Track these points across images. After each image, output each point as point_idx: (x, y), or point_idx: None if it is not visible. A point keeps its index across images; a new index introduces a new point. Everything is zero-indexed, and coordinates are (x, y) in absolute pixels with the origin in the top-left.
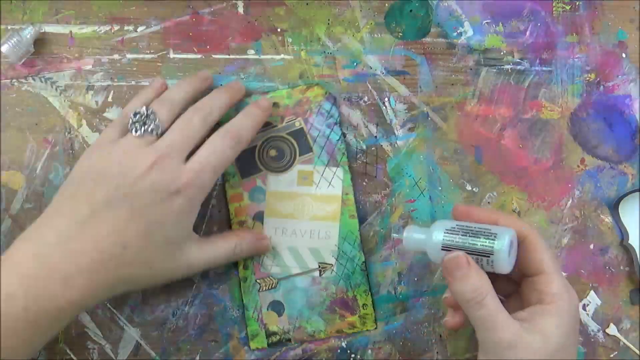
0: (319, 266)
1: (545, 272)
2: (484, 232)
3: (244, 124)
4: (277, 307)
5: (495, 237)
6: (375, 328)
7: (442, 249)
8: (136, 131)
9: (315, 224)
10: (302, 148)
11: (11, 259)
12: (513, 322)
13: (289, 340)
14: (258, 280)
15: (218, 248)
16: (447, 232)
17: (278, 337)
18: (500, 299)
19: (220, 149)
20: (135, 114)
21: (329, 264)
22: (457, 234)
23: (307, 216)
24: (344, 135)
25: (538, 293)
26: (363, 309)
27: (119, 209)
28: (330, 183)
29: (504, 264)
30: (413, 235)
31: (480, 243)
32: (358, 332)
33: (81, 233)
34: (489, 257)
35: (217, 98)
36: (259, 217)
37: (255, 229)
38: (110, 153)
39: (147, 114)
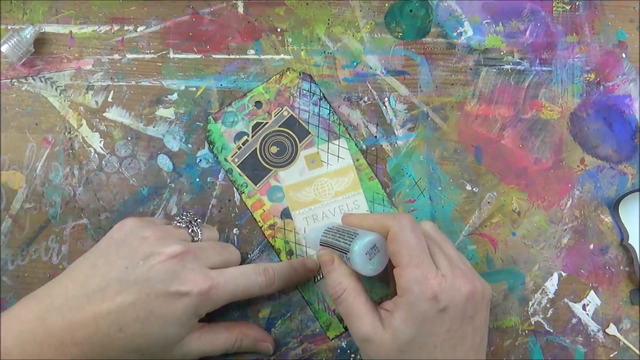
0: None
1: (399, 265)
2: (349, 233)
3: (283, 273)
4: None
5: (354, 237)
6: None
7: (320, 245)
8: (178, 223)
9: (340, 200)
10: (299, 134)
11: (15, 315)
12: (372, 317)
13: None
14: None
15: (219, 339)
16: (325, 232)
17: None
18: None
19: (249, 281)
20: (187, 212)
21: None
22: (330, 233)
23: (329, 195)
24: (332, 107)
25: (397, 286)
26: None
27: (126, 291)
28: (338, 156)
29: (358, 264)
30: (309, 235)
31: (343, 242)
32: None
33: (86, 305)
34: (346, 253)
35: (278, 273)
36: (286, 214)
37: (287, 226)
38: (144, 228)
39: (196, 219)
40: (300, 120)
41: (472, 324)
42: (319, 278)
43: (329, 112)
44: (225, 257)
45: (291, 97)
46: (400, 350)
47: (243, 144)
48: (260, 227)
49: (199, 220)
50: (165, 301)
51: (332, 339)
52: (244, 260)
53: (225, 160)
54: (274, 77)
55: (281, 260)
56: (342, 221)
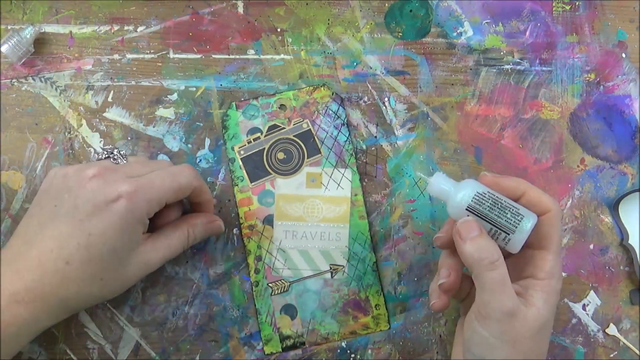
0: (331, 268)
1: (548, 249)
2: (512, 210)
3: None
4: (289, 310)
5: (521, 219)
6: (389, 328)
7: (466, 210)
8: (99, 157)
9: (325, 226)
10: (310, 150)
11: None
12: (514, 292)
13: (303, 343)
14: (270, 284)
15: (172, 240)
16: (477, 197)
17: (292, 340)
18: None
19: (175, 172)
20: (109, 146)
21: (341, 266)
22: (486, 202)
23: (316, 218)
24: (350, 136)
25: (533, 267)
26: (376, 309)
27: (61, 223)
28: (339, 184)
29: (518, 246)
30: (440, 184)
31: (506, 219)
32: (371, 333)
33: (28, 251)
34: (508, 234)
35: (189, 184)
36: (269, 220)
37: (266, 232)
38: (64, 168)
39: (120, 152)
40: (316, 138)
41: None
42: (276, 292)
43: (346, 140)
44: (152, 168)
45: (316, 112)
46: (539, 328)
47: (254, 139)
48: (240, 224)
49: (123, 152)
50: (98, 217)
51: (267, 354)
52: None
53: (232, 149)
54: (307, 87)
55: (248, 262)
56: (483, 182)
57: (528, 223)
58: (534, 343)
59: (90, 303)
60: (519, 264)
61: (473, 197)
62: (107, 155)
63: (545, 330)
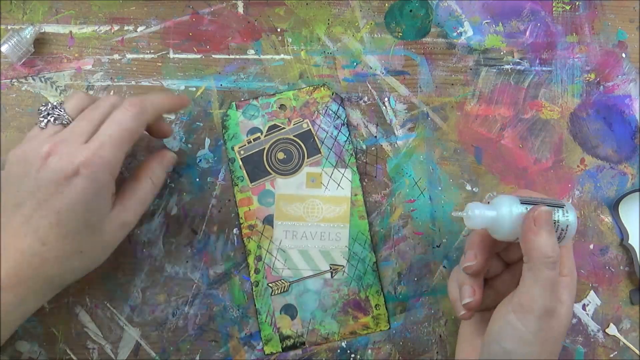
0: (330, 268)
1: (564, 247)
2: (554, 204)
3: (149, 96)
4: (289, 310)
5: (566, 207)
6: (389, 328)
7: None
8: (40, 124)
9: (325, 226)
10: (310, 150)
11: None
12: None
13: (303, 343)
14: (270, 284)
15: (140, 193)
16: (523, 202)
17: (292, 340)
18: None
19: (121, 120)
20: (39, 110)
21: (340, 266)
22: (533, 201)
23: (316, 218)
24: (350, 136)
25: (563, 265)
26: (376, 309)
27: (27, 207)
28: (339, 184)
29: (573, 234)
30: (484, 212)
31: (557, 210)
32: (371, 333)
33: (1, 239)
34: (567, 227)
35: (148, 99)
36: (269, 220)
37: (266, 232)
38: (16, 152)
39: (52, 106)
40: (316, 138)
41: None
42: (276, 292)
43: (346, 140)
44: (97, 118)
45: (316, 112)
46: (566, 326)
47: (254, 139)
48: (240, 224)
49: (56, 104)
50: (62, 194)
51: (267, 354)
52: None
53: (232, 149)
54: (307, 87)
55: (248, 262)
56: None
57: (574, 211)
58: (559, 344)
59: (76, 276)
60: None
61: (520, 201)
62: (47, 120)
63: (566, 330)
